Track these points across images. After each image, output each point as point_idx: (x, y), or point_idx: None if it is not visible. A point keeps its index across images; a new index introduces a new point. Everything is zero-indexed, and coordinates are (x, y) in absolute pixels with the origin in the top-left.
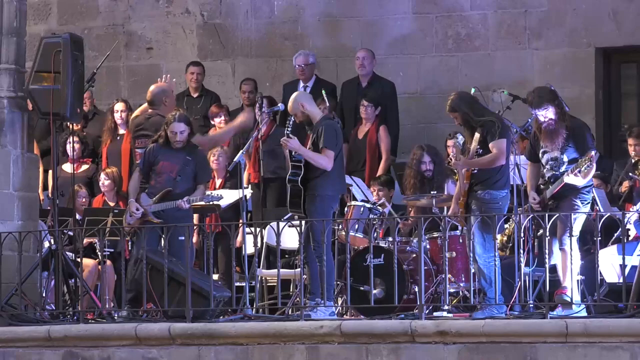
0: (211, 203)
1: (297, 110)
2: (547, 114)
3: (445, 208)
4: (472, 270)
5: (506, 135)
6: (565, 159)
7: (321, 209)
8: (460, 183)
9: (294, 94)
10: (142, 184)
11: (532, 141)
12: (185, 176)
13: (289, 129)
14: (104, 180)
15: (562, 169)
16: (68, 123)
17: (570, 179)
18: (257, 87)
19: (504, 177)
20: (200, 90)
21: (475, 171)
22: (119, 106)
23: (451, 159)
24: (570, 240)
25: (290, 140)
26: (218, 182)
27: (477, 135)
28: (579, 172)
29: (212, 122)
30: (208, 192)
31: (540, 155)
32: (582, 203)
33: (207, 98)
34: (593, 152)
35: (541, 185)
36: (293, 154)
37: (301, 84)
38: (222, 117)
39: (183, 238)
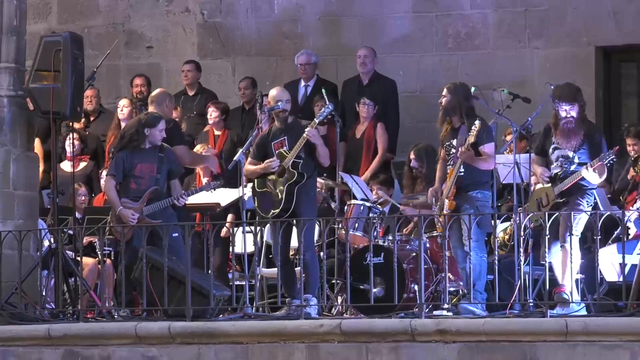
0: (211, 192)
1: (288, 106)
2: (571, 111)
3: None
4: (468, 267)
5: (494, 139)
6: (577, 159)
7: (315, 208)
8: (451, 175)
9: (280, 91)
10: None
11: (542, 135)
12: (163, 173)
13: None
14: None
15: (572, 168)
16: (68, 121)
17: (589, 174)
18: (255, 84)
19: (490, 178)
20: (197, 88)
21: (462, 174)
22: (123, 102)
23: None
24: (571, 239)
25: (312, 130)
26: None
27: (474, 129)
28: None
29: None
30: (205, 181)
31: (550, 150)
32: (587, 203)
33: (203, 96)
34: (617, 147)
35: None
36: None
37: (302, 83)
38: (211, 113)
39: (177, 234)
